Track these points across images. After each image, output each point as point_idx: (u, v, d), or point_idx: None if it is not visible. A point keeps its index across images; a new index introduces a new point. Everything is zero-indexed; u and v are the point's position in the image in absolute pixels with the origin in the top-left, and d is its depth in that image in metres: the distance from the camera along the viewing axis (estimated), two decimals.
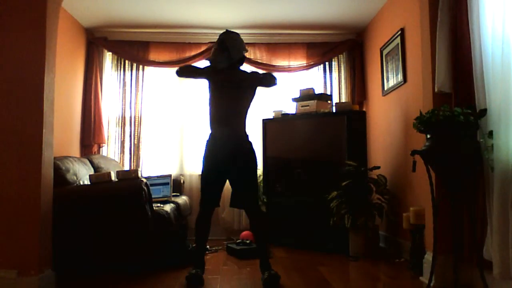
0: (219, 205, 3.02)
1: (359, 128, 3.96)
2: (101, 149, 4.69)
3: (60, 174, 3.17)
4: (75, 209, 3.07)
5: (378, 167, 3.79)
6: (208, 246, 3.94)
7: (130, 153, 4.69)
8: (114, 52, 4.76)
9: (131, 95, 4.75)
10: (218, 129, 2.94)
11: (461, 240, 2.53)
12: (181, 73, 3.09)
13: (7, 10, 2.57)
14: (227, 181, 2.98)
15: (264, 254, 2.89)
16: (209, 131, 3.00)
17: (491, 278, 2.28)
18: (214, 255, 3.74)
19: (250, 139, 3.01)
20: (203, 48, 4.74)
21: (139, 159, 4.69)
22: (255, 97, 3.08)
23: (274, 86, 3.19)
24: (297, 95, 4.32)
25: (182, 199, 4.06)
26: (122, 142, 4.72)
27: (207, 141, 2.99)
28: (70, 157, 3.61)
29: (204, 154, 2.99)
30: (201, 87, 4.44)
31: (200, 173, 3.00)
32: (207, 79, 3.04)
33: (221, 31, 4.72)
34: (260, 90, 3.21)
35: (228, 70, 2.99)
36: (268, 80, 3.14)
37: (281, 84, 4.74)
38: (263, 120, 4.38)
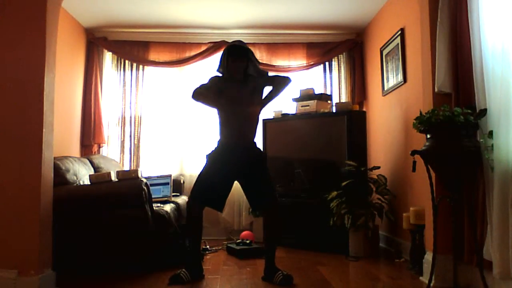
0: (221, 210, 3.02)
1: (359, 128, 3.96)
2: (101, 149, 4.70)
3: (60, 174, 3.16)
4: (75, 209, 3.07)
5: (378, 167, 3.79)
6: (208, 246, 3.95)
7: (130, 153, 4.69)
8: (114, 52, 4.76)
9: (131, 95, 4.76)
10: (229, 141, 2.95)
11: (461, 240, 2.53)
12: (196, 97, 3.03)
13: (7, 10, 2.57)
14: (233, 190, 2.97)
15: (273, 256, 2.90)
16: (219, 139, 3.02)
17: (491, 278, 2.28)
18: (214, 255, 3.74)
19: (256, 146, 3.06)
20: (203, 48, 4.75)
21: (139, 159, 4.70)
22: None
23: (288, 87, 3.05)
24: (297, 95, 4.33)
25: (182, 199, 4.06)
26: (122, 142, 4.72)
27: (216, 147, 3.00)
28: (70, 157, 3.61)
29: (211, 153, 2.99)
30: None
31: (202, 169, 2.97)
32: (216, 106, 3.00)
33: (221, 31, 4.78)
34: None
35: (235, 82, 2.96)
36: (279, 86, 3.02)
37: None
38: (263, 120, 4.38)
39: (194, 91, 3.04)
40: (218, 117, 3.02)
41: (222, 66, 2.98)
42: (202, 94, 3.03)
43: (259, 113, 3.05)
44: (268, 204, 2.93)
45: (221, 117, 3.00)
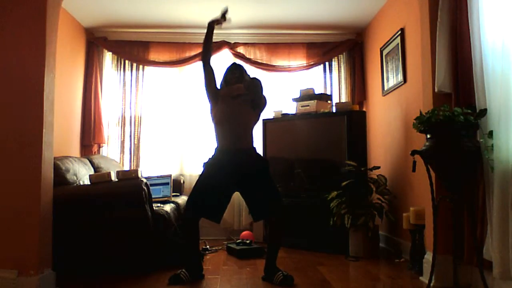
0: (219, 222, 2.91)
1: (359, 128, 3.96)
2: (101, 149, 4.70)
3: (60, 174, 3.17)
4: (75, 209, 3.07)
5: (378, 167, 3.79)
6: (208, 246, 3.95)
7: (130, 153, 4.69)
8: (114, 52, 4.76)
9: (131, 95, 4.76)
10: (226, 145, 2.92)
11: (461, 240, 2.53)
12: (205, 64, 3.05)
13: (7, 10, 2.57)
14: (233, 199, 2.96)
15: (275, 257, 2.89)
16: (216, 146, 2.99)
17: (491, 278, 2.28)
18: (214, 255, 3.74)
19: (257, 151, 3.05)
20: None
21: (139, 159, 4.70)
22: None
23: (265, 107, 3.07)
24: (297, 95, 4.32)
25: (182, 199, 4.06)
26: (122, 142, 4.72)
27: (213, 155, 2.97)
28: (70, 157, 3.61)
29: (208, 161, 2.97)
30: (201, 87, 4.42)
31: (198, 178, 2.94)
32: (211, 98, 3.02)
33: (221, 31, 4.75)
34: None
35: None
36: (254, 91, 3.00)
37: (281, 84, 4.81)
38: (263, 120, 4.37)
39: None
40: (213, 123, 3.00)
41: (223, 80, 3.06)
42: (209, 72, 3.05)
43: (255, 116, 3.03)
44: (272, 213, 2.89)
45: (215, 121, 2.98)
